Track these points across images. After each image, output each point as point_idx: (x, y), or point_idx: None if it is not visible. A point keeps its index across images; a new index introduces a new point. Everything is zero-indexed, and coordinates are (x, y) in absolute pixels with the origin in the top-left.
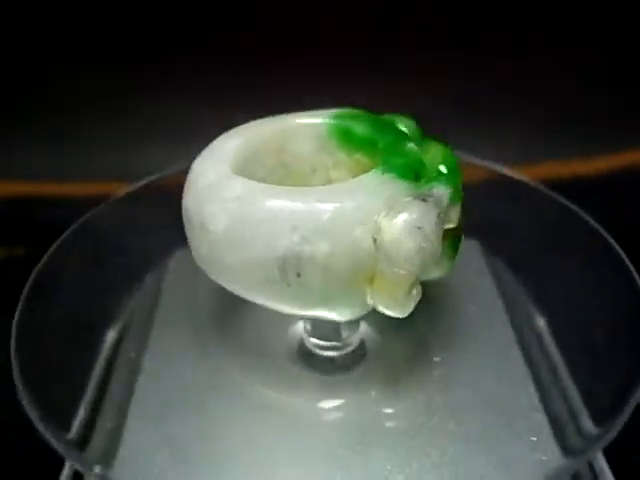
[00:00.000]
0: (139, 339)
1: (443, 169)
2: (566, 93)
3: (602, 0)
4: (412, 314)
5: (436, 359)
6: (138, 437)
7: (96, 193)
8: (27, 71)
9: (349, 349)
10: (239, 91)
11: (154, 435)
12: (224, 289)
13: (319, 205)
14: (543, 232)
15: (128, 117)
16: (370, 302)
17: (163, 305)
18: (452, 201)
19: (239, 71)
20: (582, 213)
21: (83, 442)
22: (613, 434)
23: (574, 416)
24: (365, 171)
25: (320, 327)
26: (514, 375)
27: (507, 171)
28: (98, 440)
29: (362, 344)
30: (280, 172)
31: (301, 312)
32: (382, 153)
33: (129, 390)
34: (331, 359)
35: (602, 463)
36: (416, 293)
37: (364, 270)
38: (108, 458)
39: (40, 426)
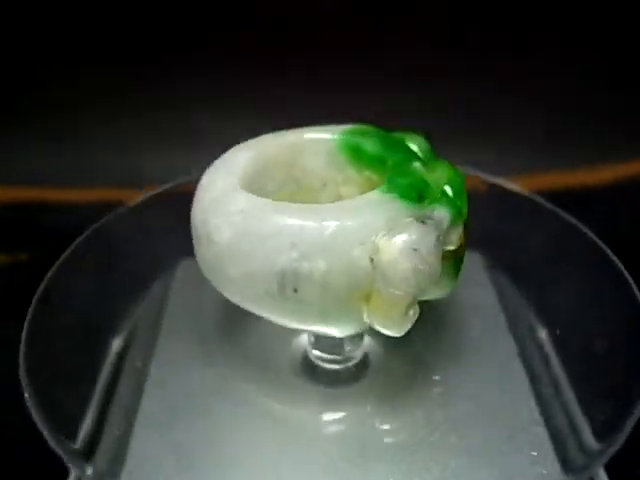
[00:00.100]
0: (145, 347)
1: (448, 190)
2: (571, 104)
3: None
4: (415, 327)
5: (438, 374)
6: (145, 445)
7: (99, 199)
8: (28, 73)
9: (352, 362)
10: (239, 91)
11: (161, 443)
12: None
13: (318, 223)
14: (544, 245)
15: (130, 121)
16: (367, 320)
17: (169, 314)
18: (453, 223)
19: (239, 71)
20: (581, 225)
21: (90, 450)
22: (614, 450)
23: (575, 430)
24: (374, 188)
25: (323, 340)
26: (515, 389)
27: (508, 183)
28: (105, 448)
29: (365, 358)
30: (291, 186)
31: (299, 326)
32: (389, 172)
33: (136, 398)
34: (334, 372)
35: (603, 477)
36: (413, 313)
37: (361, 289)
38: (115, 466)
39: (49, 438)
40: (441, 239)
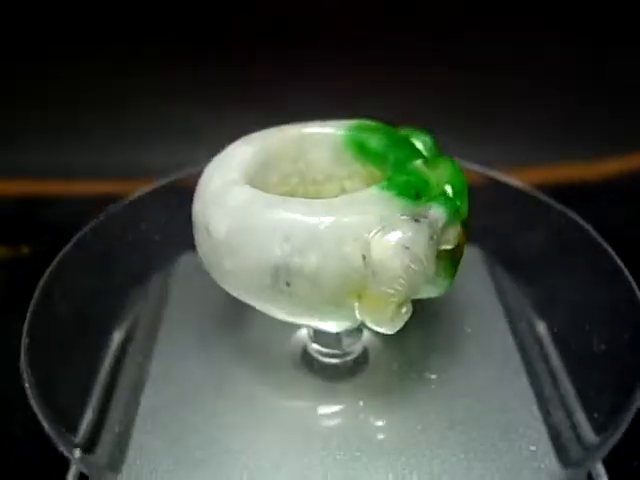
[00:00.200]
0: (146, 341)
1: (449, 189)
2: (571, 98)
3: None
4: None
5: (436, 369)
6: (146, 439)
7: (101, 191)
8: (27, 66)
9: (351, 357)
10: (239, 91)
11: (162, 437)
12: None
13: (312, 218)
14: (544, 239)
15: (131, 114)
16: (359, 317)
17: (170, 308)
18: (450, 223)
19: (239, 71)
20: (580, 220)
21: (91, 443)
22: (612, 444)
23: (573, 425)
24: (377, 183)
25: (322, 334)
26: (514, 384)
27: (507, 177)
28: (106, 442)
29: (365, 352)
30: (295, 179)
31: (294, 320)
32: (390, 168)
33: (137, 392)
34: (333, 366)
35: (600, 471)
36: (405, 311)
37: (352, 285)
38: (116, 460)
39: (49, 431)
40: (435, 238)
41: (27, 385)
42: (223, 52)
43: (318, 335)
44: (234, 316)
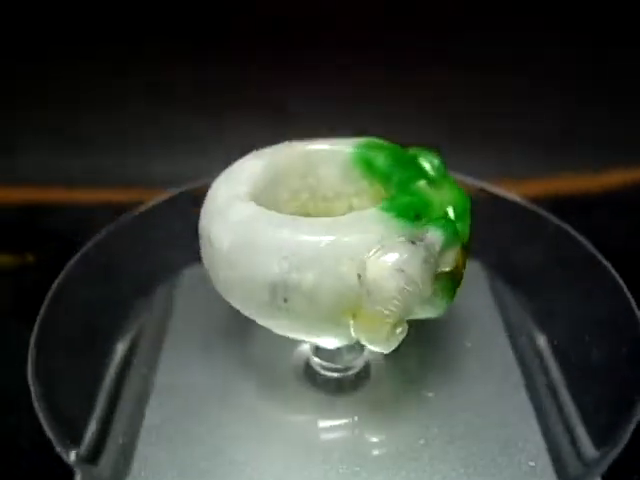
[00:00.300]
0: (151, 354)
1: (450, 211)
2: (572, 110)
3: (609, 9)
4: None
5: (437, 384)
6: (150, 451)
7: (104, 199)
8: (30, 73)
9: (353, 371)
10: (239, 91)
11: (166, 450)
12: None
13: (310, 237)
14: (545, 254)
15: (131, 115)
16: (354, 335)
17: (174, 321)
18: (448, 245)
19: (239, 71)
20: (580, 235)
21: (95, 456)
22: (611, 459)
23: (573, 440)
24: None
25: (324, 349)
26: (514, 399)
27: (507, 192)
28: (110, 454)
29: (367, 367)
30: (304, 195)
31: (291, 335)
32: (393, 188)
33: (141, 405)
34: (335, 380)
35: None
36: (400, 331)
37: (347, 304)
38: (120, 472)
39: (54, 442)
40: (431, 261)
41: (34, 397)
42: (223, 52)
43: (320, 349)
44: (238, 328)
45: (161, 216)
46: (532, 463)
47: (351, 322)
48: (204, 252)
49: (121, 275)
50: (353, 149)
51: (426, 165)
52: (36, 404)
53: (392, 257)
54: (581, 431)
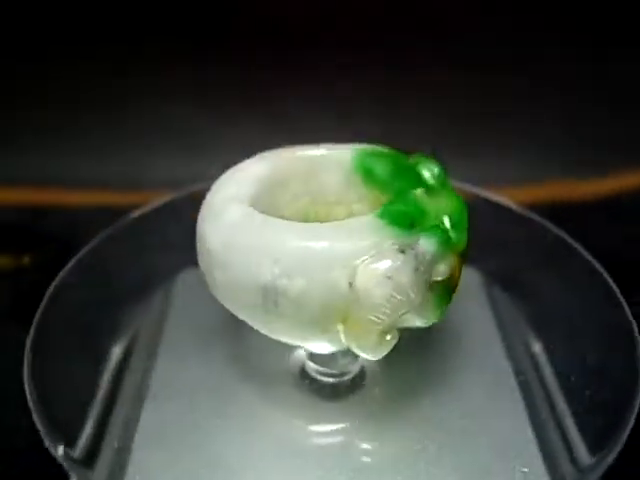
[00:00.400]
0: (146, 358)
1: (446, 221)
2: (571, 117)
3: (609, 9)
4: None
5: (432, 390)
6: (145, 457)
7: (102, 201)
8: (29, 67)
9: (349, 377)
10: (239, 91)
11: (161, 454)
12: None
13: (300, 242)
14: (541, 260)
15: (131, 115)
16: (344, 341)
17: (170, 325)
18: (441, 254)
19: (239, 71)
20: (576, 243)
21: (90, 460)
22: (606, 465)
23: (568, 445)
24: None
25: (319, 354)
26: (509, 406)
27: (504, 198)
28: (105, 458)
29: (362, 372)
30: (306, 200)
31: (282, 339)
32: (390, 197)
33: (136, 409)
34: (331, 385)
35: None
36: (390, 338)
37: (337, 310)
38: (115, 478)
39: (50, 446)
40: (422, 269)
41: (30, 400)
42: (223, 52)
43: (315, 355)
44: (234, 333)
45: (158, 219)
46: (526, 469)
47: (341, 328)
48: (199, 253)
49: (117, 278)
50: (354, 156)
51: (426, 173)
52: (32, 406)
53: (381, 264)
54: (576, 437)
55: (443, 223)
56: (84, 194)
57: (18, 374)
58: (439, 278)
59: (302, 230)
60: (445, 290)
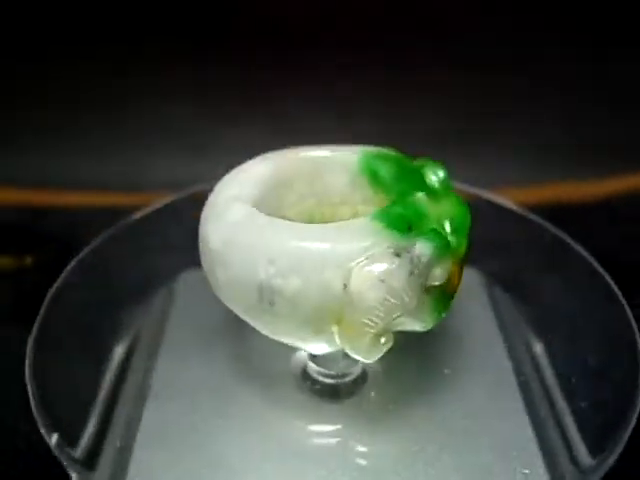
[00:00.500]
0: (148, 358)
1: (447, 225)
2: (571, 117)
3: (606, 17)
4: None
5: (432, 391)
6: (147, 457)
7: (103, 202)
8: (29, 67)
9: (350, 378)
10: (239, 91)
11: (163, 455)
12: (231, 310)
13: (296, 242)
14: (542, 261)
15: (131, 115)
16: (338, 343)
17: (171, 325)
18: (438, 259)
19: (239, 71)
20: (577, 244)
21: (91, 460)
22: (607, 467)
23: (569, 446)
24: None
25: (320, 354)
26: (509, 407)
27: (505, 199)
28: (107, 458)
29: (364, 374)
30: (311, 201)
31: (279, 339)
32: (392, 199)
33: (138, 409)
34: (332, 386)
35: None
36: (384, 342)
37: (331, 312)
38: (116, 478)
39: (52, 446)
40: (416, 273)
41: (32, 400)
42: (223, 52)
43: (317, 356)
44: (236, 333)
45: (159, 220)
46: (527, 470)
47: (335, 330)
48: (202, 253)
49: (119, 279)
50: (360, 157)
51: (432, 177)
52: (33, 405)
53: (376, 267)
54: (576, 438)
55: (443, 227)
56: (85, 195)
57: (20, 374)
58: (436, 282)
59: (299, 230)
60: (443, 295)
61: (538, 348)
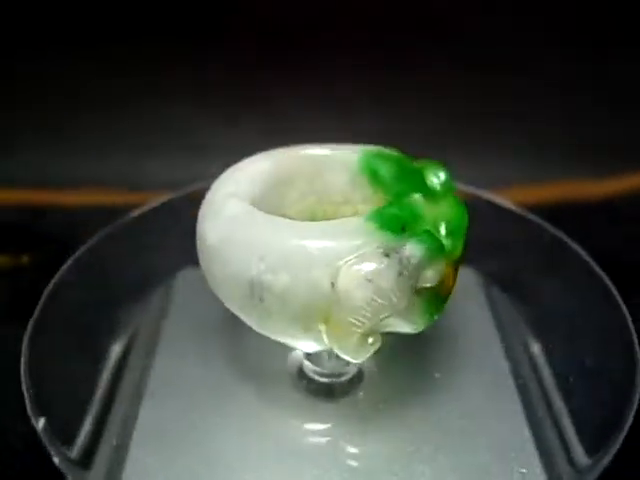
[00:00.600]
0: (144, 357)
1: (442, 227)
2: (570, 117)
3: (606, 17)
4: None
5: (429, 390)
6: (143, 456)
7: (101, 202)
8: (29, 67)
9: (346, 377)
10: (238, 92)
11: (158, 454)
12: (228, 308)
13: (285, 240)
14: (539, 261)
15: (131, 115)
16: (326, 342)
17: (169, 323)
18: (429, 261)
19: (239, 71)
20: (574, 243)
21: (87, 459)
22: (603, 466)
23: (566, 447)
24: None
25: (315, 353)
26: (506, 407)
27: (501, 199)
28: (102, 458)
29: (360, 373)
30: (312, 198)
31: (270, 335)
32: (389, 199)
33: (134, 408)
34: (328, 385)
35: None
36: (372, 342)
37: (319, 310)
38: (113, 477)
39: (48, 446)
40: (406, 274)
41: (27, 399)
42: (223, 52)
43: (311, 355)
44: (233, 332)
45: (156, 219)
46: (524, 470)
47: (323, 328)
48: (199, 250)
49: (116, 278)
50: (361, 157)
51: (433, 179)
52: (28, 404)
53: (363, 267)
54: (573, 438)
55: (438, 230)
56: (83, 194)
57: (17, 373)
58: (428, 284)
59: (290, 228)
60: (435, 297)
61: (535, 348)
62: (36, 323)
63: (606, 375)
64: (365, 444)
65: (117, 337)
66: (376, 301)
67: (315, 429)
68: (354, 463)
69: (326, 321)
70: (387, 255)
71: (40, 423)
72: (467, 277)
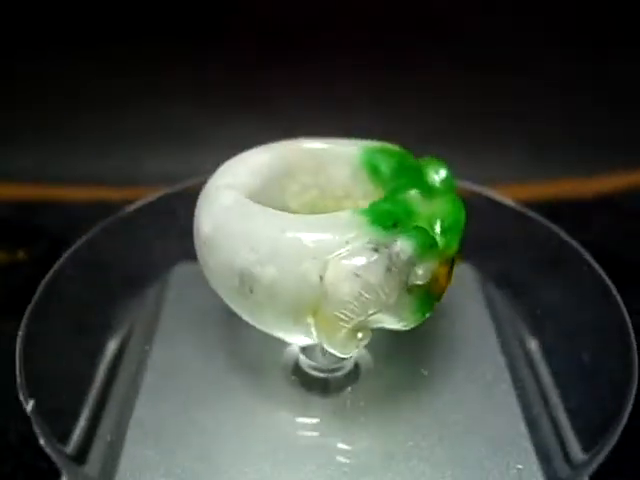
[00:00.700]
0: (140, 352)
1: (437, 225)
2: (570, 114)
3: (606, 17)
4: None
5: (426, 386)
6: (137, 452)
7: (97, 197)
8: (29, 67)
9: (342, 372)
10: (238, 92)
11: (153, 449)
12: (224, 303)
13: (275, 232)
14: (536, 258)
15: (130, 115)
16: (315, 335)
17: (164, 319)
18: (420, 257)
19: (239, 71)
20: (572, 240)
21: (83, 454)
22: (599, 462)
23: (562, 442)
24: None
25: (311, 349)
26: (503, 402)
27: (499, 195)
28: (97, 453)
29: (356, 367)
30: (314, 192)
31: (260, 327)
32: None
33: (129, 403)
34: (324, 380)
35: None
36: (361, 337)
37: (307, 303)
38: (107, 472)
39: (43, 441)
40: (395, 270)
41: (21, 393)
42: (223, 52)
43: (307, 349)
44: (229, 326)
45: (152, 214)
46: (520, 466)
47: (311, 322)
48: (196, 242)
49: (112, 273)
50: (362, 152)
51: (434, 176)
52: (23, 399)
53: (352, 261)
54: (569, 434)
55: (433, 227)
56: (79, 189)
57: (13, 369)
58: (419, 282)
59: (282, 220)
60: (427, 295)
61: (532, 344)
62: (31, 318)
63: (603, 371)
64: (361, 439)
65: (113, 332)
66: (364, 296)
67: (310, 423)
68: (352, 458)
69: (314, 315)
70: (376, 250)
71: (32, 412)
72: (465, 273)
